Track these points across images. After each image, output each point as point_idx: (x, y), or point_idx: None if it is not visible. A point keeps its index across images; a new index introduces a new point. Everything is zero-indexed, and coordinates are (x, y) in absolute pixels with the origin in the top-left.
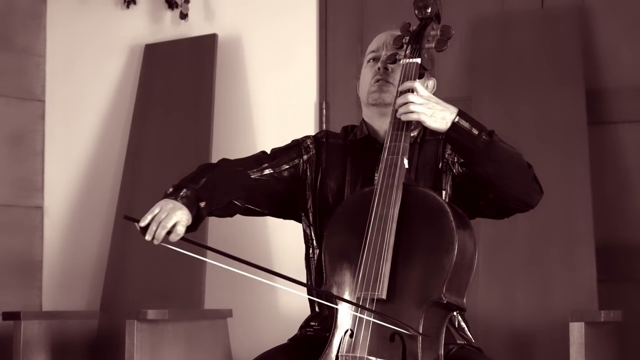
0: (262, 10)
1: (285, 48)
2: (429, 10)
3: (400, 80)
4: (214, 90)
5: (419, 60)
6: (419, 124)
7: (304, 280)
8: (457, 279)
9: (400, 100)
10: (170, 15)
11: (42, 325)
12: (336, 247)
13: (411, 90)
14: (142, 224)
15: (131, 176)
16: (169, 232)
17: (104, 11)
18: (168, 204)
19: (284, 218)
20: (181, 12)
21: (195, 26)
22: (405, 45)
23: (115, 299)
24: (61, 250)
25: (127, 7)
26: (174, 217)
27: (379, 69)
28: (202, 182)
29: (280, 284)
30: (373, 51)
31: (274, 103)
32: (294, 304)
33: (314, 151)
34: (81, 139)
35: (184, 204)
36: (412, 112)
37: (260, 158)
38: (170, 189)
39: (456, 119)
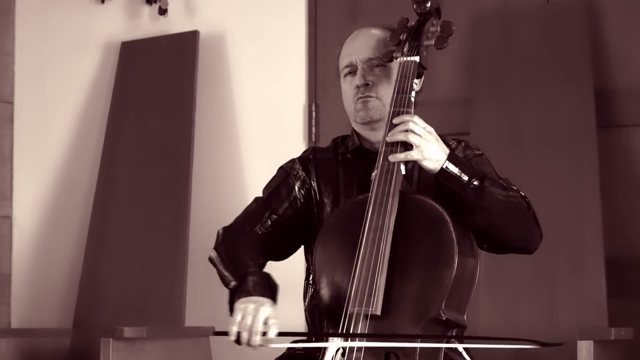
0: (247, 5)
1: (272, 46)
2: (429, 4)
3: (397, 79)
4: (195, 91)
5: (417, 58)
6: None
7: (301, 305)
8: (457, 294)
9: (397, 121)
10: (148, 11)
11: (10, 344)
12: (328, 259)
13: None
14: (233, 338)
15: (106, 184)
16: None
17: (77, 6)
18: (249, 304)
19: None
20: (160, 7)
21: (175, 22)
22: (402, 42)
23: (89, 315)
24: (31, 263)
25: (102, 1)
26: (260, 316)
27: (358, 87)
28: (248, 261)
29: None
30: (347, 66)
31: (260, 105)
32: (282, 320)
33: (303, 174)
34: (53, 143)
35: (260, 294)
36: (408, 140)
37: (258, 210)
38: (233, 283)
39: (445, 165)
